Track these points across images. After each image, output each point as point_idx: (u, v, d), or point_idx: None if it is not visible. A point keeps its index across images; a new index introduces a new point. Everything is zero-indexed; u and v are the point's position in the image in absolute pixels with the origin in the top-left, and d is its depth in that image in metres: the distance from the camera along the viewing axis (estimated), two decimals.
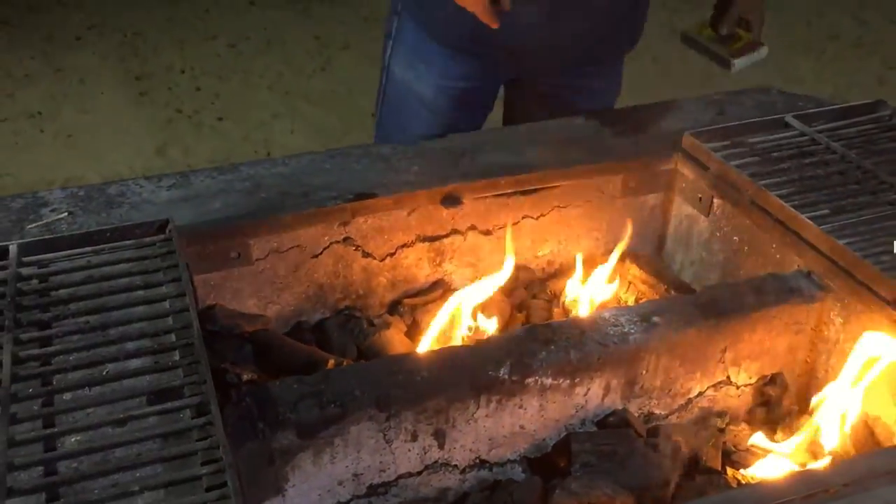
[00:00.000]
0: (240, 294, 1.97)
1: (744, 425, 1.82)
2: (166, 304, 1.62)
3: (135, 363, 1.48)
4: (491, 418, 1.64)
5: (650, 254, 2.32)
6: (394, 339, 1.98)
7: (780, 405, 1.85)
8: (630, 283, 2.13)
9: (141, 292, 1.65)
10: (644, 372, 1.73)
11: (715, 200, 2.11)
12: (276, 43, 6.34)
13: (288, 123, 5.38)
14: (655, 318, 1.73)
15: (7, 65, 5.92)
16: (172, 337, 1.54)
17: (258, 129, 5.32)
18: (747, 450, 1.76)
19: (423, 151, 2.21)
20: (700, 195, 2.15)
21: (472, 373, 1.59)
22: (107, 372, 1.48)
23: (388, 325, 1.99)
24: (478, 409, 1.62)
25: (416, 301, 2.09)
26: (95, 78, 5.84)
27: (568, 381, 1.66)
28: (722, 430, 1.81)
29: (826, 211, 1.88)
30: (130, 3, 6.84)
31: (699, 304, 1.77)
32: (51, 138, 5.27)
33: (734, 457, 1.76)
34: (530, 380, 1.63)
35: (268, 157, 4.93)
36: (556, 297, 2.16)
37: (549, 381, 1.64)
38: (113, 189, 2.03)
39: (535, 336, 1.67)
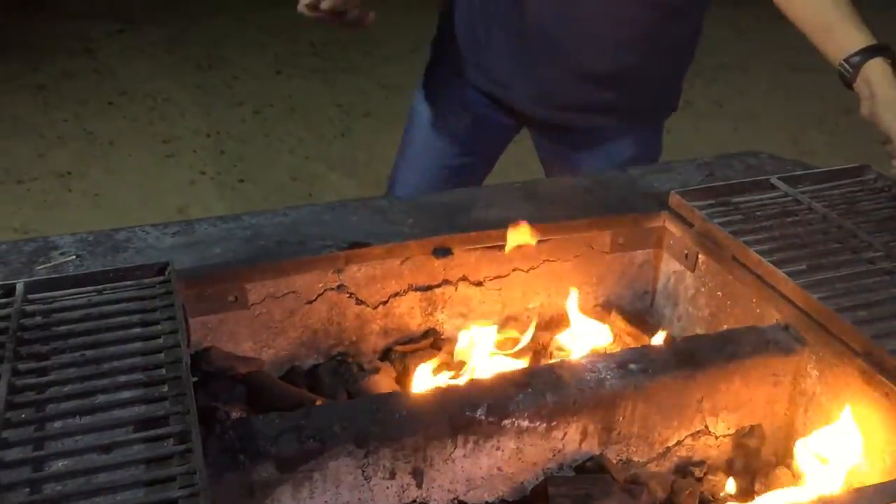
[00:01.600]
0: (236, 337, 2.05)
1: (721, 475, 1.84)
2: (160, 341, 1.69)
3: (125, 394, 1.55)
4: (468, 459, 1.68)
5: (641, 310, 2.37)
6: (382, 383, 2.04)
7: (758, 456, 1.87)
8: (616, 335, 2.18)
9: (137, 329, 1.73)
10: (621, 418, 1.76)
11: (700, 256, 2.17)
12: (299, 110, 6.55)
13: (306, 187, 5.53)
14: (632, 366, 1.77)
15: (41, 127, 6.16)
16: (163, 371, 1.61)
17: (277, 192, 5.47)
18: (723, 499, 1.79)
19: (419, 206, 2.30)
20: (686, 251, 2.21)
21: (449, 412, 1.64)
22: (97, 401, 1.55)
23: (377, 371, 2.05)
24: (455, 448, 1.66)
25: (406, 348, 2.16)
26: (124, 141, 6.06)
27: (545, 425, 1.71)
28: (699, 480, 1.83)
29: (803, 266, 1.93)
30: (162, 71, 7.12)
31: (676, 353, 1.81)
32: (78, 197, 5.46)
33: None
34: (507, 421, 1.67)
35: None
36: (543, 348, 2.21)
37: (525, 423, 1.69)
38: (120, 235, 2.13)
39: (511, 380, 1.73)
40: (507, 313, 2.27)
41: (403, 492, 1.67)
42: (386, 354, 2.18)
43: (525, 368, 1.76)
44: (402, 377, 2.13)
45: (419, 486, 1.67)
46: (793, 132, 6.60)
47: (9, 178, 5.57)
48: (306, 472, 1.58)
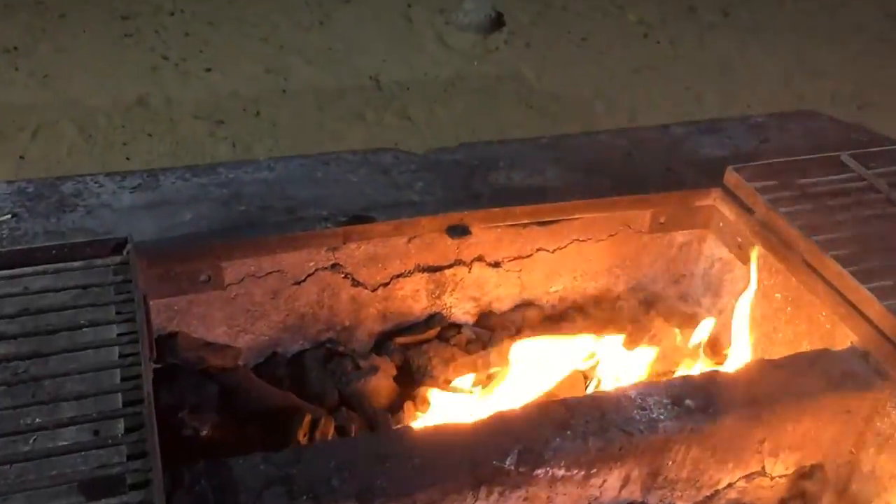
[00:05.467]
0: (208, 321, 1.71)
1: None
2: (115, 353, 1.35)
3: (68, 434, 1.22)
4: None
5: (671, 295, 2.07)
6: (381, 386, 1.73)
7: (817, 502, 1.61)
8: (653, 334, 1.88)
9: (87, 332, 1.38)
10: (670, 463, 1.48)
11: (758, 249, 1.85)
12: None
13: (279, 81, 5.05)
14: (689, 402, 1.48)
15: None
16: (118, 400, 1.28)
17: (248, 85, 4.99)
18: None
19: (431, 164, 1.94)
20: (740, 239, 1.89)
21: (472, 462, 1.34)
22: (33, 442, 1.22)
23: (375, 370, 1.74)
24: (476, 500, 1.37)
25: (407, 339, 1.84)
26: (78, 14, 5.46)
27: (583, 473, 1.42)
28: None
29: (891, 282, 1.62)
30: None
31: (740, 386, 1.52)
32: (25, 76, 4.92)
33: None
34: (540, 471, 1.38)
35: (257, 116, 4.64)
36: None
37: (561, 472, 1.40)
38: (68, 187, 1.75)
39: (548, 416, 1.42)
40: (525, 297, 1.95)
41: None
42: (382, 343, 1.86)
43: (563, 402, 1.45)
44: (403, 373, 1.82)
45: None
46: (800, 50, 6.20)
47: None
48: None
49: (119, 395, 1.28)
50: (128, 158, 4.23)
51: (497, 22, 5.57)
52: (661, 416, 1.45)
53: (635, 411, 1.45)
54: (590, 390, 1.82)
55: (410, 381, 1.80)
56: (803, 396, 1.52)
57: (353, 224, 1.69)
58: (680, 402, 1.48)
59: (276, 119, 4.62)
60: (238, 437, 1.53)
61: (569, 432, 1.40)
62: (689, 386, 1.52)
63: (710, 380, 1.55)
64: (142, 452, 1.19)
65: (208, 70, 5.12)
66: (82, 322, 1.39)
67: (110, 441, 1.21)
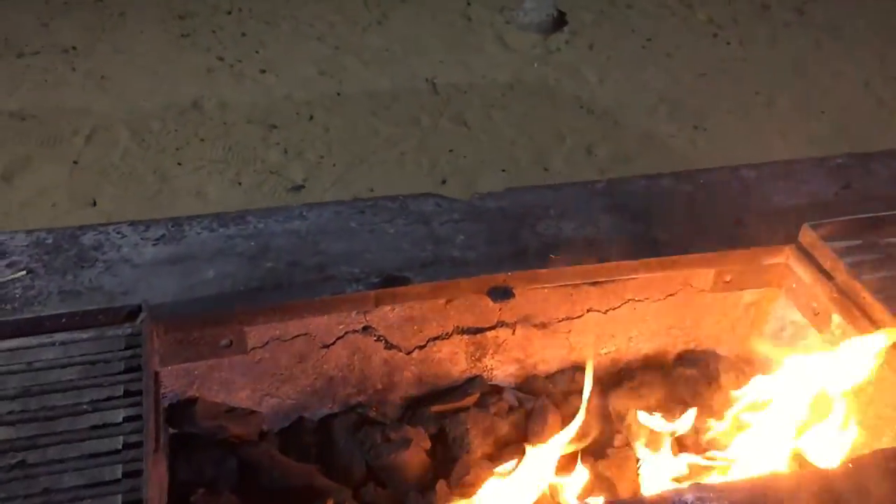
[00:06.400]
0: (230, 385, 1.60)
1: None
2: (119, 442, 1.25)
3: None
4: None
5: (737, 356, 1.90)
6: (413, 461, 1.60)
7: None
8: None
9: (91, 416, 1.28)
10: None
11: (835, 317, 1.67)
12: None
13: (335, 84, 4.95)
14: None
15: None
16: (118, 501, 1.17)
17: (302, 87, 4.90)
18: None
19: (475, 212, 1.80)
20: (816, 305, 1.70)
21: None
22: None
23: (407, 443, 1.61)
24: None
25: (444, 407, 1.70)
26: (137, 13, 5.44)
27: None
28: None
29: None
30: None
31: (813, 495, 1.34)
32: (82, 78, 4.91)
33: None
34: None
35: (310, 120, 4.55)
36: (619, 416, 1.75)
37: None
38: (88, 238, 1.65)
39: None
40: (574, 359, 1.80)
41: None
42: (417, 409, 1.73)
43: None
44: (438, 445, 1.69)
45: None
46: (881, 52, 5.85)
47: (8, 51, 5.02)
48: None
49: (119, 496, 1.18)
50: (179, 164, 4.19)
51: (559, 21, 5.38)
52: None
53: None
54: (643, 469, 1.67)
55: (446, 454, 1.66)
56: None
57: (386, 287, 1.56)
58: None
59: (330, 124, 4.53)
60: None
61: None
62: (755, 492, 1.35)
63: (779, 483, 1.38)
64: None
65: (263, 72, 5.05)
66: (87, 403, 1.29)
67: None
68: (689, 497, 1.33)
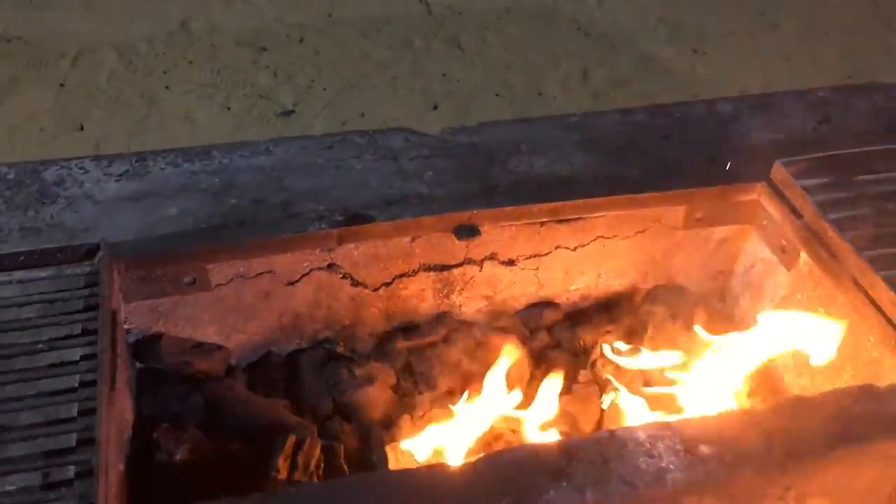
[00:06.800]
0: (197, 321, 1.61)
1: None
2: (76, 380, 1.26)
3: (16, 479, 1.14)
4: None
5: (708, 291, 1.90)
6: (377, 397, 1.62)
7: None
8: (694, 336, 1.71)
9: (49, 354, 1.29)
10: None
11: (802, 255, 1.66)
12: None
13: (327, 5, 4.83)
14: (704, 449, 1.33)
15: None
16: (73, 439, 1.19)
17: (293, 8, 4.79)
18: None
19: (445, 148, 1.77)
20: (785, 243, 1.69)
21: None
22: None
23: (372, 380, 1.62)
24: None
25: (411, 343, 1.71)
26: None
27: None
28: None
29: None
30: None
31: (765, 432, 1.36)
32: None
33: None
34: None
35: (300, 42, 4.46)
36: (584, 352, 1.77)
37: None
38: (51, 173, 1.64)
39: (544, 463, 1.29)
40: (543, 295, 1.80)
41: None
42: (383, 346, 1.74)
43: (561, 445, 1.32)
44: (405, 379, 1.70)
45: None
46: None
47: None
48: None
49: (74, 434, 1.19)
50: (167, 87, 4.12)
51: None
52: (672, 466, 1.31)
53: (642, 459, 1.31)
54: (606, 405, 1.68)
55: (412, 390, 1.68)
56: (839, 445, 1.35)
57: (349, 225, 1.55)
58: (694, 448, 1.33)
59: (320, 46, 4.44)
60: (218, 458, 1.44)
61: (565, 483, 1.27)
62: (707, 429, 1.36)
63: (733, 421, 1.39)
64: None
65: None
66: (44, 342, 1.30)
67: (61, 489, 1.12)
68: (642, 434, 1.35)
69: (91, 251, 1.41)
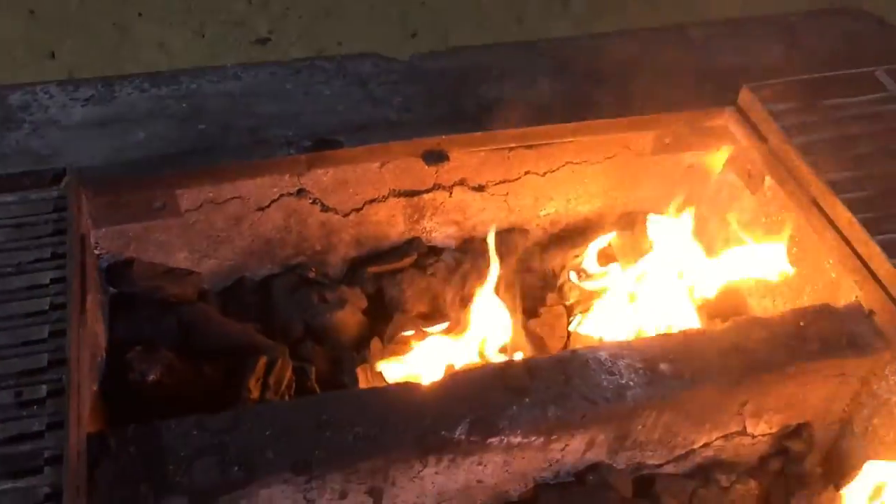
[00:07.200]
0: (167, 247, 1.62)
1: (753, 483, 1.51)
2: (46, 303, 1.27)
3: None
4: (442, 476, 1.34)
5: (678, 215, 1.92)
6: (348, 321, 1.65)
7: (801, 463, 1.52)
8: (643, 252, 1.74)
9: (18, 278, 1.31)
10: (640, 427, 1.39)
11: (767, 179, 1.68)
12: None
13: None
14: (663, 367, 1.37)
15: None
16: (44, 359, 1.21)
17: None
18: None
19: (414, 73, 1.77)
20: (750, 167, 1.71)
21: (419, 432, 1.27)
22: None
23: (343, 304, 1.65)
24: (424, 468, 1.31)
25: (382, 268, 1.73)
26: None
27: (542, 439, 1.34)
28: (726, 489, 1.50)
29: None
30: None
31: (722, 350, 1.40)
32: None
33: None
34: (494, 439, 1.30)
35: None
36: (553, 276, 1.79)
37: (517, 439, 1.32)
38: (16, 98, 1.63)
39: (507, 381, 1.33)
40: (513, 221, 1.82)
41: None
42: (355, 272, 1.76)
43: (525, 364, 1.35)
44: (376, 303, 1.73)
45: (377, 503, 1.34)
46: None
47: None
48: (230, 501, 1.23)
49: (45, 355, 1.21)
50: (140, 14, 4.04)
51: None
52: (631, 383, 1.35)
53: (603, 377, 1.35)
54: (572, 327, 1.72)
55: (383, 313, 1.71)
56: (794, 361, 1.40)
57: (318, 150, 1.56)
58: (654, 366, 1.37)
59: None
60: (191, 379, 1.47)
61: (527, 400, 1.31)
62: (666, 347, 1.40)
63: (691, 340, 1.43)
64: (59, 424, 1.14)
65: None
66: (14, 266, 1.31)
67: (25, 413, 1.15)
68: (604, 353, 1.39)
69: (58, 176, 1.42)
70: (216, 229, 1.62)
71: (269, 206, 1.62)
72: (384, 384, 1.54)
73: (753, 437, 1.51)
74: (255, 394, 1.45)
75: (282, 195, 1.61)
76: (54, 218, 1.37)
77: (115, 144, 1.54)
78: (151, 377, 1.43)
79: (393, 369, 1.56)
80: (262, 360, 1.48)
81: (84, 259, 1.35)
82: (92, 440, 1.20)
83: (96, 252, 1.54)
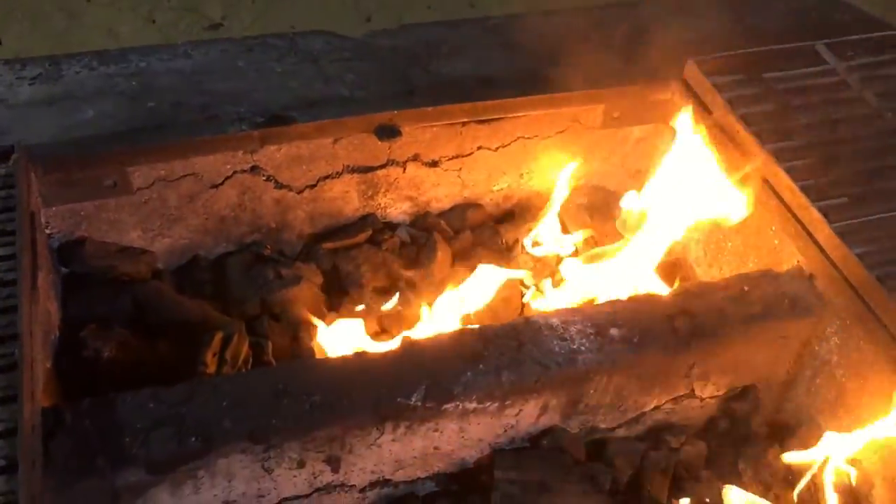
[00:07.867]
0: (120, 226, 1.62)
1: (701, 444, 1.55)
2: None
3: None
4: (399, 443, 1.36)
5: (627, 189, 1.95)
6: (304, 296, 1.66)
7: (746, 423, 1.57)
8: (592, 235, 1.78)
9: None
10: (592, 391, 1.43)
11: (715, 153, 1.72)
12: None
13: None
14: (613, 332, 1.40)
15: None
16: None
17: None
18: (700, 479, 1.51)
19: (366, 50, 1.78)
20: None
21: (375, 399, 1.29)
22: None
23: (298, 280, 1.66)
24: (382, 434, 1.33)
25: (337, 244, 1.75)
26: None
27: (496, 405, 1.37)
28: (676, 451, 1.54)
29: (845, 200, 1.51)
30: None
31: (670, 314, 1.44)
32: None
33: (685, 486, 1.51)
34: (449, 406, 1.33)
35: None
36: (507, 250, 1.82)
37: (472, 405, 1.34)
38: None
39: (461, 348, 1.35)
40: (467, 196, 1.84)
41: (315, 478, 1.35)
42: (310, 249, 1.77)
43: (479, 331, 1.38)
44: (332, 279, 1.74)
45: (335, 471, 1.35)
46: None
47: None
48: (188, 472, 1.24)
49: None
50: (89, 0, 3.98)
51: None
52: (583, 348, 1.38)
53: (555, 342, 1.38)
54: (527, 298, 1.75)
55: (339, 289, 1.72)
56: (739, 324, 1.44)
57: (270, 126, 1.56)
58: (604, 331, 1.40)
59: None
60: (146, 355, 1.47)
61: (481, 366, 1.34)
62: (616, 313, 1.44)
63: (640, 305, 1.46)
64: (15, 396, 1.14)
65: None
66: None
67: None
68: (556, 320, 1.42)
69: (6, 153, 1.40)
70: (169, 207, 1.62)
71: (222, 183, 1.62)
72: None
73: (702, 399, 1.55)
74: (212, 368, 1.46)
75: (235, 172, 1.61)
76: (2, 195, 1.37)
77: (63, 122, 1.54)
78: (106, 354, 1.43)
79: (349, 341, 1.58)
80: (219, 335, 1.48)
81: (34, 236, 1.34)
82: (47, 413, 1.20)
83: (48, 231, 1.53)
